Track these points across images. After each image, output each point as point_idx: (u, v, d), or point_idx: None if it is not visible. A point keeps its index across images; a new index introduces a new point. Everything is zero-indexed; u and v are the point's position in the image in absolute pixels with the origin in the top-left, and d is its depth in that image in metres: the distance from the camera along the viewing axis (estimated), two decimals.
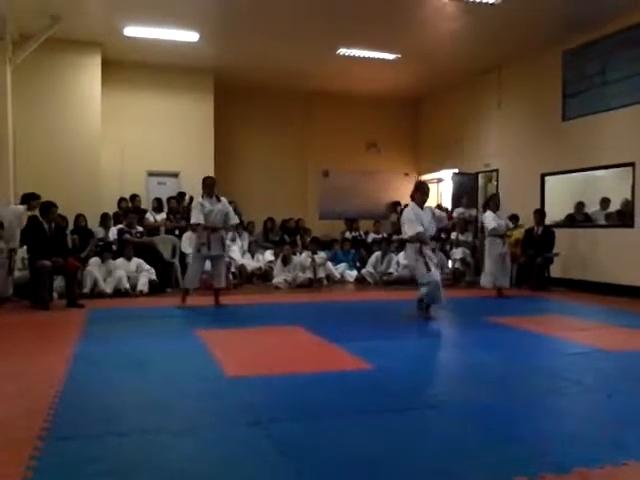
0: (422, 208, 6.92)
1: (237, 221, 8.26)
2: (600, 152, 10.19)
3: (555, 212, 11.11)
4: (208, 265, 8.30)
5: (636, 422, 3.51)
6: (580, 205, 11.02)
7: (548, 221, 10.80)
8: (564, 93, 10.96)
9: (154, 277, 9.78)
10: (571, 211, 11.11)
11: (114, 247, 10.31)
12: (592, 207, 10.94)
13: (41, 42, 9.94)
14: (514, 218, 9.69)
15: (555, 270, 10.70)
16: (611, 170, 10.28)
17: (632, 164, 9.65)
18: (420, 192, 7.01)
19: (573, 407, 3.96)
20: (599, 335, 6.44)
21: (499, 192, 12.46)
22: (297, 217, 13.76)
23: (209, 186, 8.10)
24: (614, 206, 10.54)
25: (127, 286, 9.42)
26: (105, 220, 10.81)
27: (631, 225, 9.71)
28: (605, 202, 10.75)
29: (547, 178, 11.44)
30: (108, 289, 9.27)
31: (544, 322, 7.32)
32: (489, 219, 9.26)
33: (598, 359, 5.23)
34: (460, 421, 3.51)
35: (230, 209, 8.22)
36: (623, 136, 9.81)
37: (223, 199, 8.22)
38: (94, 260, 9.44)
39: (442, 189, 15.44)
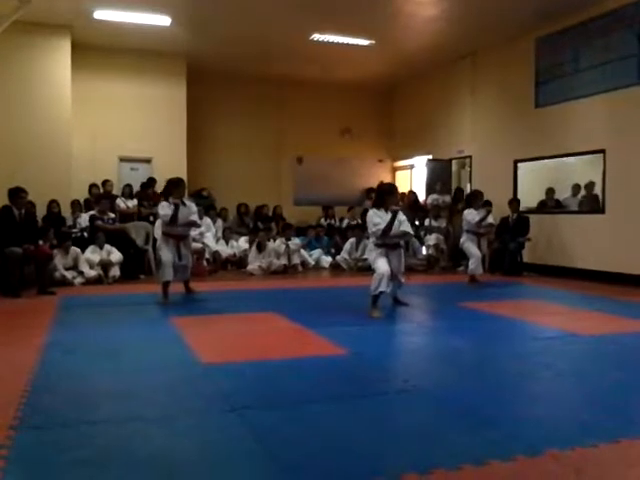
0: (387, 211, 6.50)
1: (196, 219, 7.69)
2: (572, 139, 10.30)
3: (527, 199, 11.22)
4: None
5: (606, 404, 3.58)
6: (550, 191, 11.14)
7: (521, 207, 10.90)
8: (537, 80, 11.04)
9: (118, 259, 9.65)
10: (543, 197, 11.22)
11: (85, 234, 10.19)
12: (564, 193, 11.07)
13: (8, 25, 9.70)
14: (487, 204, 9.76)
15: (528, 256, 10.82)
16: (582, 157, 10.41)
17: (603, 151, 9.77)
18: (383, 195, 6.64)
19: (545, 390, 4.02)
20: (571, 319, 6.54)
21: (473, 181, 12.59)
22: (271, 203, 13.75)
23: (181, 189, 7.59)
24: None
25: (100, 272, 9.33)
26: (73, 207, 10.62)
27: (602, 211, 9.85)
28: (576, 188, 10.89)
29: (520, 164, 11.54)
30: (79, 279, 9.13)
31: (517, 307, 7.41)
32: (469, 217, 9.25)
33: (570, 343, 5.31)
34: (434, 405, 3.55)
35: (195, 212, 7.67)
36: (594, 123, 9.91)
37: (189, 203, 7.69)
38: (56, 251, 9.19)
39: (415, 175, 15.50)
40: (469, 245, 9.20)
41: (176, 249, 7.50)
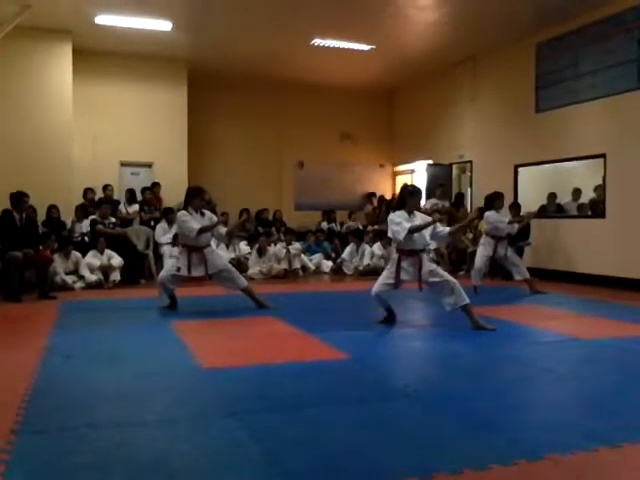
0: (410, 214, 6.01)
1: (224, 229, 7.37)
2: (572, 144, 10.31)
3: (528, 203, 11.21)
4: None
5: (607, 409, 3.57)
6: (552, 196, 11.15)
7: (521, 212, 10.87)
8: (537, 85, 11.06)
9: (119, 263, 9.64)
10: (544, 202, 11.22)
11: (86, 239, 10.19)
12: (565, 198, 11.08)
13: (10, 30, 9.74)
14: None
15: (528, 260, 10.79)
16: (583, 161, 10.43)
17: (603, 155, 9.78)
18: (402, 197, 6.17)
19: (546, 395, 4.02)
20: (572, 324, 6.54)
21: (473, 186, 12.59)
22: (271, 208, 13.74)
23: (197, 200, 7.12)
24: (586, 197, 10.71)
25: (101, 276, 9.34)
26: (76, 212, 10.62)
27: (602, 215, 9.86)
28: (577, 193, 10.90)
29: (520, 169, 11.55)
30: (79, 283, 9.14)
31: (517, 311, 7.41)
32: (493, 220, 8.78)
33: (571, 347, 5.31)
34: (435, 410, 3.54)
35: (215, 221, 7.22)
36: (594, 128, 9.93)
37: (207, 213, 7.25)
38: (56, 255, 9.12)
39: (415, 180, 15.49)
40: (479, 253, 8.93)
41: (188, 261, 7.01)
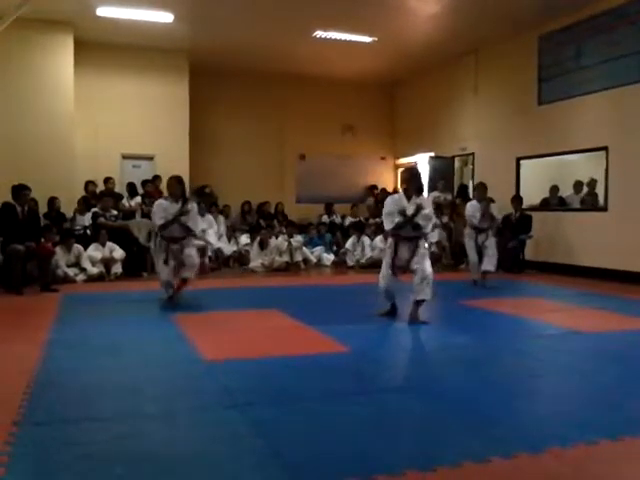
0: (410, 198, 6.02)
1: (197, 229, 7.25)
2: (574, 136, 10.28)
3: (530, 196, 11.20)
4: None
5: (608, 402, 3.58)
6: (554, 189, 11.13)
7: (523, 205, 10.88)
8: (540, 77, 11.02)
9: (121, 256, 9.64)
10: (546, 195, 11.21)
11: (88, 231, 10.20)
12: (567, 191, 11.06)
13: (11, 22, 9.71)
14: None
15: (530, 253, 10.81)
16: (585, 154, 10.40)
17: (605, 148, 9.75)
18: (401, 181, 6.22)
19: (546, 387, 4.03)
20: (573, 317, 6.54)
21: (475, 179, 12.57)
22: (273, 200, 13.73)
23: (171, 187, 7.06)
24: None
25: (103, 269, 9.35)
26: (79, 204, 10.63)
27: (604, 209, 9.84)
28: (579, 186, 10.87)
29: (522, 162, 11.52)
30: (81, 276, 9.15)
31: (519, 304, 7.40)
32: (468, 211, 8.84)
33: (572, 340, 5.31)
34: (436, 403, 3.55)
35: (195, 217, 7.11)
36: (597, 120, 9.89)
37: (191, 205, 7.10)
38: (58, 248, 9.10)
39: None
40: (467, 246, 8.94)
41: (166, 253, 6.88)
